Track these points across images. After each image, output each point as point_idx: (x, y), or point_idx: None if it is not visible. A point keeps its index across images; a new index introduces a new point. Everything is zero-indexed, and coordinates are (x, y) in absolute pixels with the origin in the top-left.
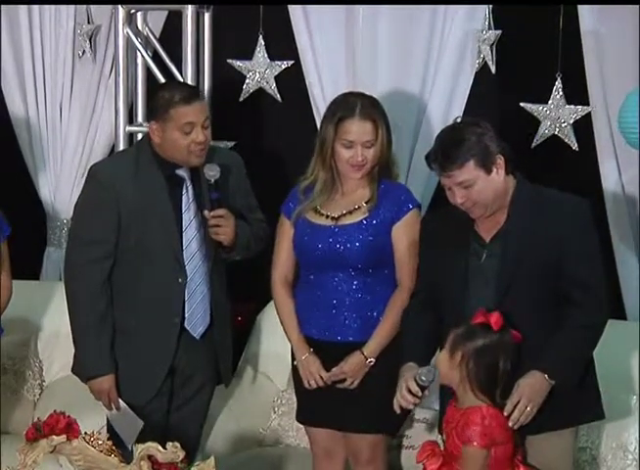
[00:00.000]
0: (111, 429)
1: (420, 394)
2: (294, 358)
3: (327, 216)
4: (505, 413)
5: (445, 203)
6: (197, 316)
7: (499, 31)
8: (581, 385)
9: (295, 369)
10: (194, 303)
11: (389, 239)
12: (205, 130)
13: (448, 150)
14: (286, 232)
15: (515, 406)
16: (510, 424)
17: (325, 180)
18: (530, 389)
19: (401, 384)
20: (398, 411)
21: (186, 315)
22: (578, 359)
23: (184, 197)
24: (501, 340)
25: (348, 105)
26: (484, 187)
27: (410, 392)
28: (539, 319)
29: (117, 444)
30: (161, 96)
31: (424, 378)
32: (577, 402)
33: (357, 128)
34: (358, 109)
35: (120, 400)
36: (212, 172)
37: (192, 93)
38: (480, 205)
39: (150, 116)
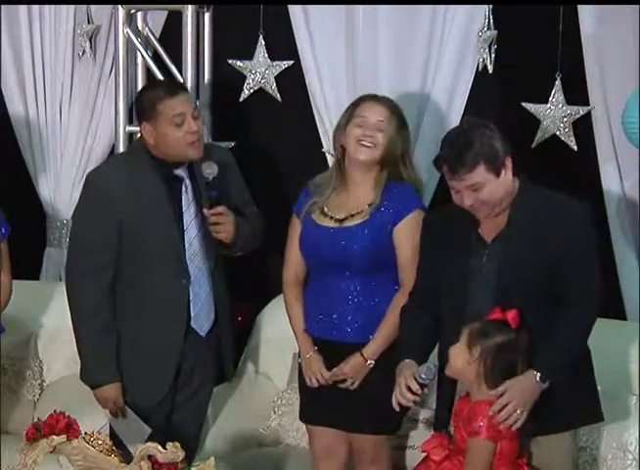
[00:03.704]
0: (111, 430)
1: (419, 392)
2: (300, 356)
3: (331, 218)
4: (490, 413)
5: (446, 203)
6: (202, 315)
7: (499, 31)
8: (579, 387)
9: (300, 368)
10: (198, 302)
11: (391, 240)
12: (197, 120)
13: (459, 154)
14: (296, 233)
15: (503, 407)
16: (495, 422)
17: (332, 171)
18: (521, 391)
19: (400, 382)
20: (397, 409)
21: (192, 315)
22: (570, 358)
23: (184, 197)
24: (519, 338)
25: (365, 95)
26: (494, 189)
27: (410, 390)
28: (536, 320)
29: (117, 444)
30: (146, 96)
31: (424, 376)
32: (576, 405)
33: (372, 107)
34: (375, 96)
35: (127, 408)
36: (210, 170)
37: (175, 86)
38: (488, 205)
39: (139, 118)
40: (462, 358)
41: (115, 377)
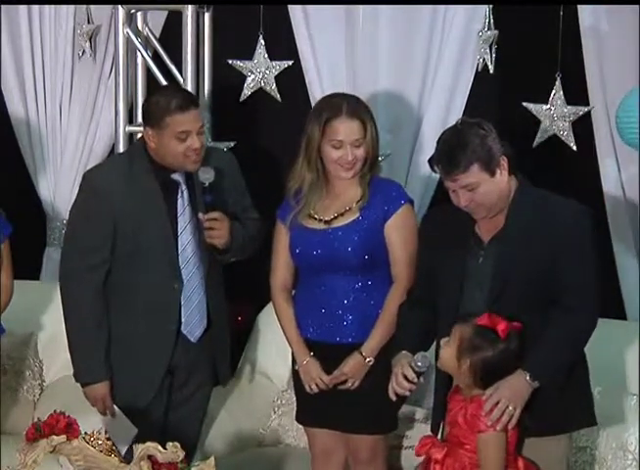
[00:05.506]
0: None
1: (416, 380)
2: (294, 362)
3: (319, 220)
4: (483, 413)
5: (446, 202)
6: (193, 321)
7: (499, 31)
8: (574, 390)
9: (295, 372)
10: (190, 307)
11: (383, 237)
12: (201, 136)
13: (452, 154)
14: (282, 238)
15: (495, 406)
16: (489, 423)
17: (311, 182)
18: (510, 389)
19: (397, 371)
20: (394, 398)
21: (182, 320)
22: (562, 361)
23: (179, 201)
24: (508, 347)
25: (334, 105)
26: (489, 189)
27: (406, 378)
28: (530, 322)
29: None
30: (156, 102)
31: (420, 364)
32: (569, 409)
33: (346, 128)
34: (345, 108)
35: (115, 407)
36: (207, 175)
37: (187, 100)
38: (485, 206)
39: (145, 121)
40: (451, 362)
41: (105, 376)
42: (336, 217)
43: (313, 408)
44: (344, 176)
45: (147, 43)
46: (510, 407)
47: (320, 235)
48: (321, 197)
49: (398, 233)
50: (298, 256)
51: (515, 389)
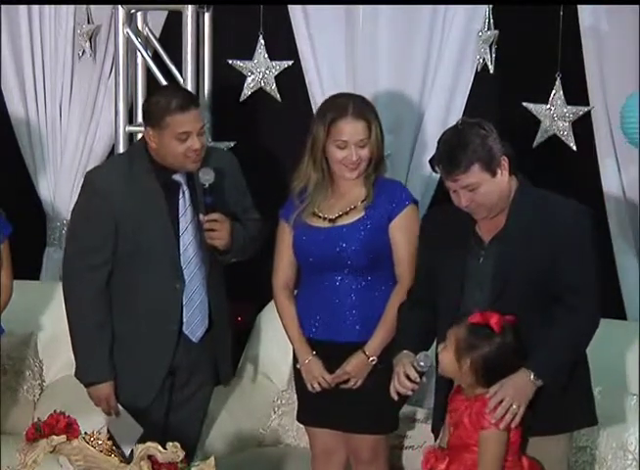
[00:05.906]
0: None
1: (418, 380)
2: (296, 361)
3: (324, 218)
4: (487, 410)
5: (446, 202)
6: (195, 321)
7: (498, 31)
8: (575, 390)
9: (296, 371)
10: (192, 308)
11: (387, 237)
12: (201, 137)
13: (453, 154)
14: (285, 237)
15: (499, 404)
16: (492, 421)
17: (316, 181)
18: (514, 387)
19: (399, 371)
20: (396, 398)
21: (184, 321)
22: (565, 360)
23: (180, 202)
24: (505, 340)
25: (340, 105)
26: (490, 190)
27: (408, 378)
28: (531, 321)
29: (118, 444)
30: (157, 102)
31: (422, 364)
32: (570, 409)
33: (350, 128)
34: (350, 108)
35: (120, 406)
36: (207, 177)
37: (188, 100)
38: (485, 207)
39: (145, 121)
40: (452, 366)
41: (109, 376)
42: (340, 216)
43: (314, 408)
44: (349, 177)
45: (147, 43)
46: (514, 406)
47: (324, 233)
48: (326, 196)
49: (403, 233)
50: (302, 253)
51: (519, 387)
